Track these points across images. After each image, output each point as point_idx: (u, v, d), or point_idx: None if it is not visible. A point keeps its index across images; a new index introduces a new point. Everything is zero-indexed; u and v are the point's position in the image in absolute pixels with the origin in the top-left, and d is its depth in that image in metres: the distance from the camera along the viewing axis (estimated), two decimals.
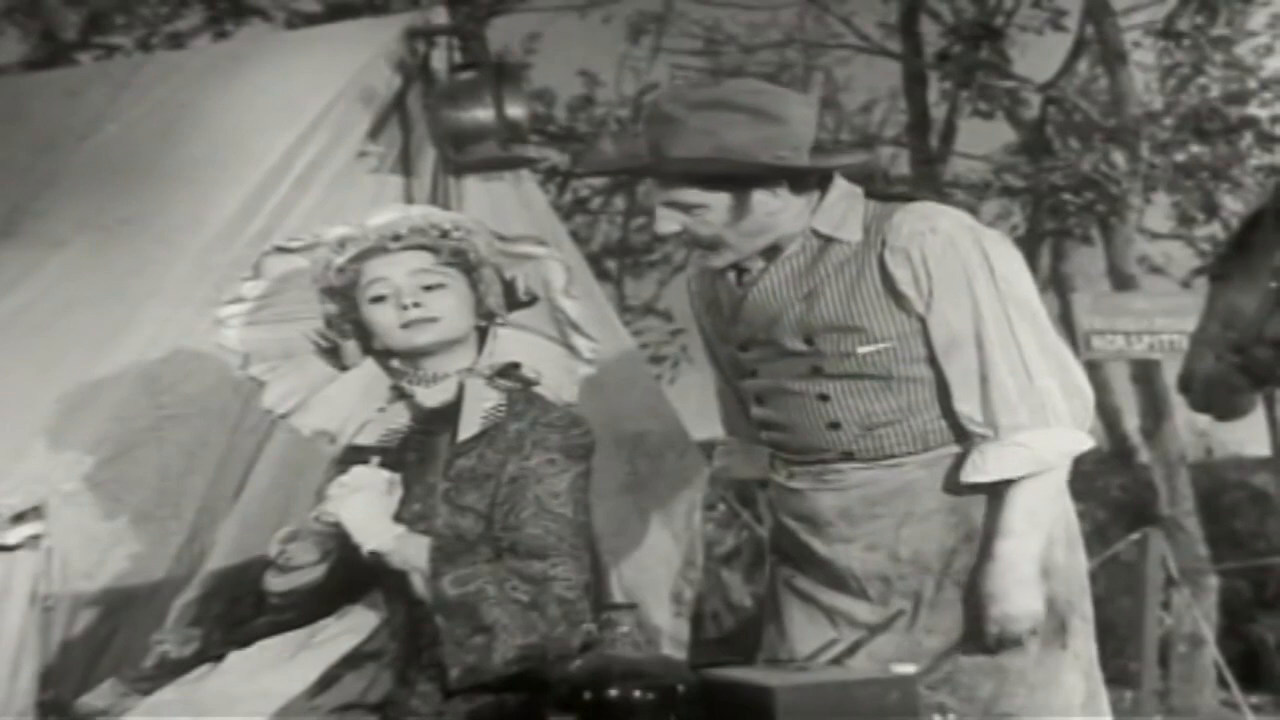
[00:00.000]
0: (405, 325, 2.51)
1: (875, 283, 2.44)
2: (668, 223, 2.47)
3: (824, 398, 2.49)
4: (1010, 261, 2.48)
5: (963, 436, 2.48)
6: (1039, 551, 2.45)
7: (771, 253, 2.50)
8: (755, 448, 2.70)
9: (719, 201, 2.42)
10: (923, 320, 2.45)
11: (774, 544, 2.69)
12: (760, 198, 2.42)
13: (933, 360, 2.46)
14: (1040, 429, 2.41)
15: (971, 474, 2.45)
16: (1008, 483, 2.44)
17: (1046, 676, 2.51)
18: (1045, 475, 2.44)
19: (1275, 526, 8.32)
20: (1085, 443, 2.47)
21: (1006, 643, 2.44)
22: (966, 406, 2.44)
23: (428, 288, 2.52)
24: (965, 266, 2.43)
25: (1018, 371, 2.42)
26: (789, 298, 2.49)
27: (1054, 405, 2.42)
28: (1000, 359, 2.41)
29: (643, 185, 10.86)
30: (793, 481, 2.58)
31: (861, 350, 2.45)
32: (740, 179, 2.41)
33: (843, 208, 2.49)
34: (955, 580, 2.49)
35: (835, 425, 2.49)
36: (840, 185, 2.51)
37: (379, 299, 2.53)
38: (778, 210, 2.44)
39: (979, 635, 2.45)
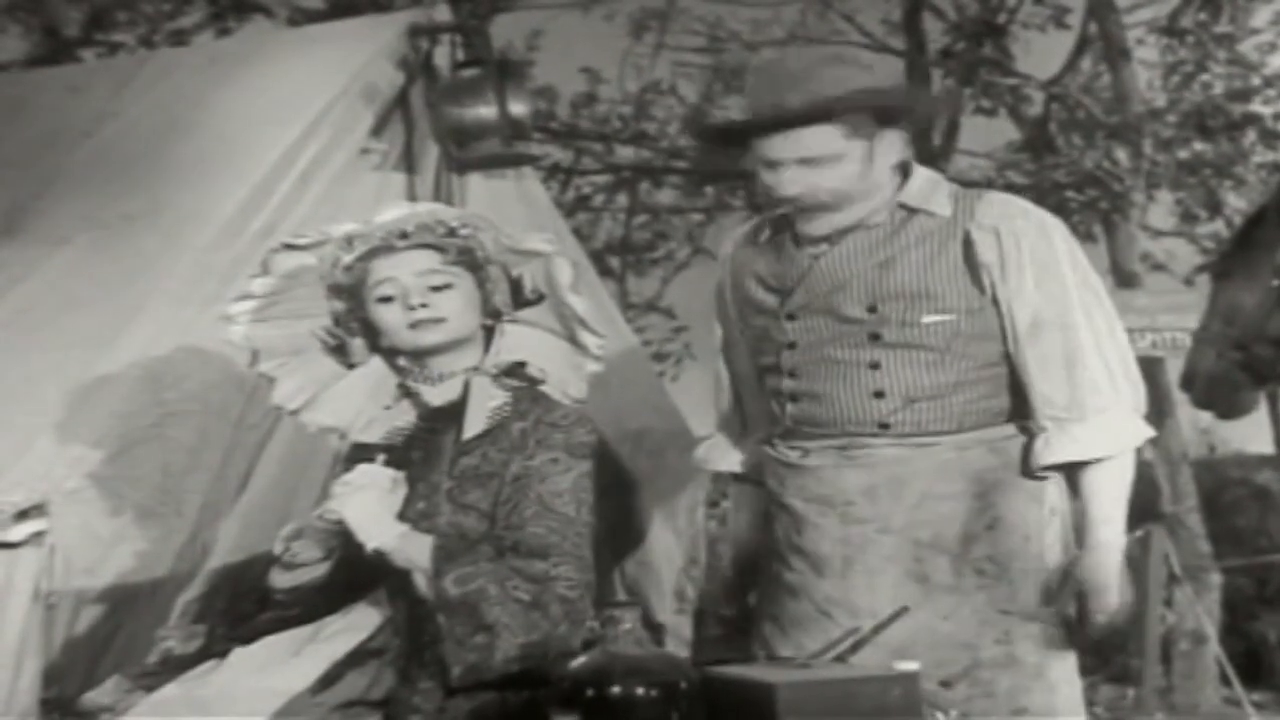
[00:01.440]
0: (413, 325, 2.52)
1: (956, 257, 2.49)
2: (793, 184, 2.47)
3: (875, 365, 2.50)
4: (1082, 254, 2.56)
5: (1010, 419, 2.52)
6: (1123, 533, 2.50)
7: (858, 226, 2.53)
8: (742, 441, 2.74)
9: (854, 151, 2.46)
10: (995, 299, 2.48)
11: (766, 537, 2.67)
12: (883, 148, 2.48)
13: (990, 340, 2.50)
14: (1120, 411, 2.48)
15: (1058, 453, 2.47)
16: (1081, 471, 2.48)
17: (1063, 675, 2.52)
18: (1124, 460, 2.50)
19: (1278, 524, 8.31)
20: (1150, 431, 2.55)
21: (1109, 634, 2.48)
22: (1049, 387, 2.48)
23: (435, 288, 2.52)
24: (1056, 252, 2.50)
25: (1101, 356, 2.48)
26: (863, 265, 2.51)
27: (1129, 391, 2.49)
28: (1089, 343, 2.48)
29: (644, 183, 10.88)
30: (809, 459, 2.56)
31: (926, 319, 2.48)
32: (873, 126, 2.46)
33: (930, 185, 2.55)
34: (975, 568, 2.49)
35: (880, 394, 2.50)
36: (923, 169, 2.58)
37: (386, 299, 2.53)
38: (894, 164, 2.50)
39: (1074, 628, 2.49)
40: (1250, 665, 6.91)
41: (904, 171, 2.55)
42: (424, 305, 2.51)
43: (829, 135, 2.44)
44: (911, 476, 2.50)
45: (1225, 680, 6.32)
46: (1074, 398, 2.47)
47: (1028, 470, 2.51)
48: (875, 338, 2.50)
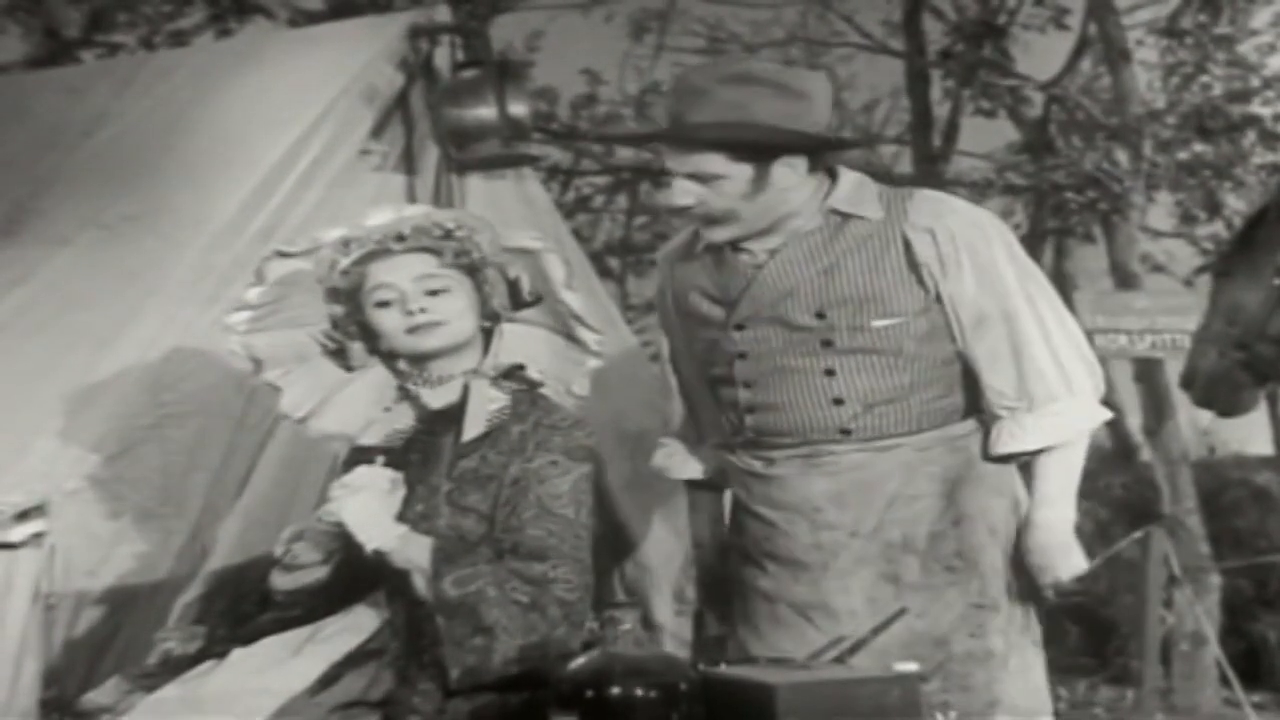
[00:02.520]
0: (411, 330, 2.51)
1: (898, 259, 2.49)
2: (683, 195, 2.50)
3: (830, 373, 2.50)
4: (1019, 245, 2.59)
5: (967, 415, 2.55)
6: (1073, 517, 2.55)
7: (783, 231, 2.53)
8: (700, 449, 2.76)
9: (740, 173, 2.46)
10: (939, 297, 2.49)
11: (733, 544, 2.68)
12: (780, 172, 2.47)
13: (940, 339, 2.51)
14: (1069, 399, 2.50)
15: (1009, 443, 2.51)
16: (1035, 455, 2.53)
17: (1022, 664, 2.56)
18: (1074, 445, 2.53)
19: (1277, 525, 8.31)
20: (1106, 414, 2.58)
21: (1063, 601, 2.56)
22: (998, 380, 2.51)
23: (432, 292, 2.52)
24: (992, 246, 2.51)
25: (1046, 345, 2.50)
26: (805, 273, 2.51)
27: (1079, 377, 2.52)
28: (1033, 333, 2.50)
29: (644, 184, 10.88)
30: (774, 469, 2.57)
31: (876, 324, 2.49)
32: (764, 151, 2.45)
33: (858, 189, 2.55)
34: (945, 565, 2.51)
35: (839, 401, 2.51)
36: (849, 172, 2.58)
37: (384, 303, 2.53)
38: (793, 186, 2.49)
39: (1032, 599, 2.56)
40: (1250, 667, 6.89)
41: (831, 175, 2.56)
42: (422, 310, 2.50)
43: (712, 157, 2.46)
44: (877, 480, 2.52)
45: (1225, 681, 6.31)
46: (1022, 388, 2.50)
47: (988, 460, 2.55)
48: (827, 344, 2.50)
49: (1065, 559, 2.53)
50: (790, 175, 2.48)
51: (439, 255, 2.53)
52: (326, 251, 2.55)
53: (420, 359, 2.56)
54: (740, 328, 2.56)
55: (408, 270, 2.52)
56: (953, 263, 2.48)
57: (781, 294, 2.52)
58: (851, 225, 2.52)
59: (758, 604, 2.60)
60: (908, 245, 2.49)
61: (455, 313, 2.54)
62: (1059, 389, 2.50)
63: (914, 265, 2.49)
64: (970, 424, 2.56)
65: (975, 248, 2.50)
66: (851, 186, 2.55)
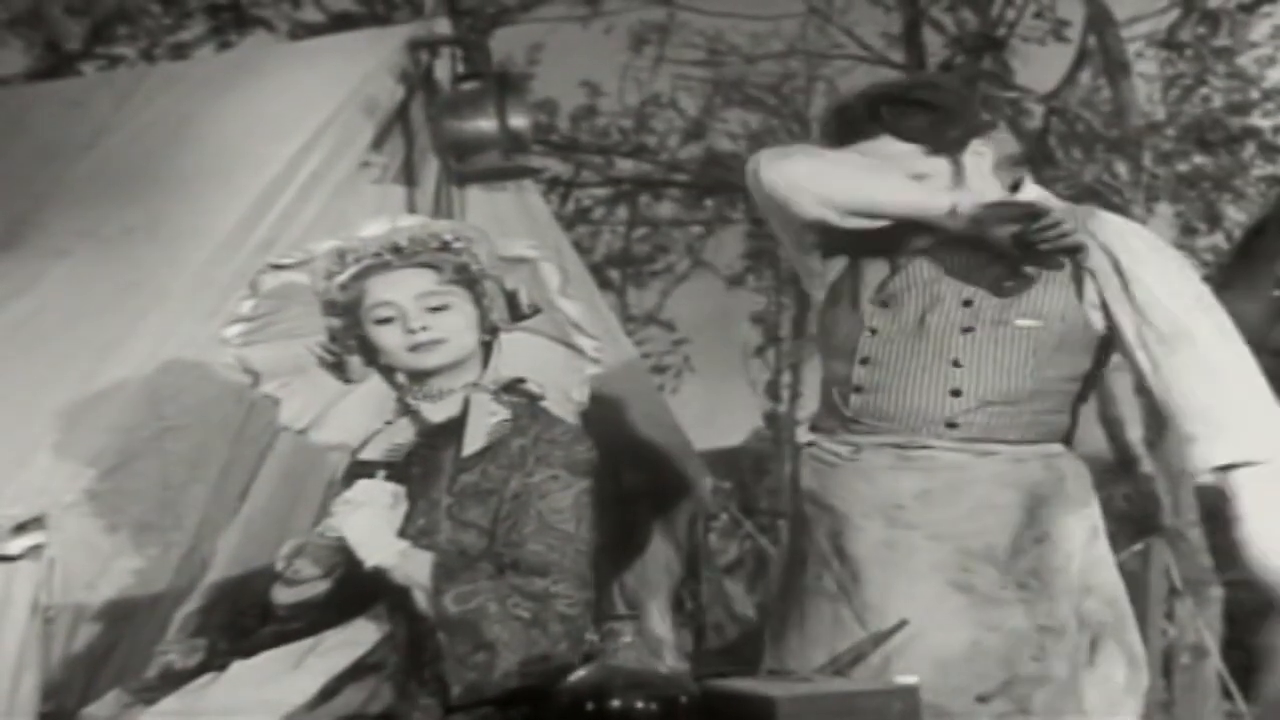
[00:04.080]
0: (413, 348, 2.51)
1: (1066, 266, 2.47)
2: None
3: (956, 364, 2.47)
4: (1189, 267, 2.59)
5: (1067, 439, 2.53)
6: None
7: None
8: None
9: (939, 168, 2.50)
10: (1096, 308, 2.47)
11: (795, 543, 2.62)
12: (971, 161, 2.52)
13: (1076, 353, 2.50)
14: (1261, 418, 2.45)
15: (1208, 458, 2.44)
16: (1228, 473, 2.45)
17: (1075, 688, 2.48)
18: (1268, 465, 2.44)
19: None
20: None
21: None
22: (1187, 395, 2.45)
23: (433, 309, 2.51)
24: (1166, 265, 2.49)
25: (1236, 364, 2.48)
26: (966, 260, 2.49)
27: (1264, 397, 2.47)
28: (1225, 351, 2.48)
29: (645, 196, 10.89)
30: (860, 457, 2.52)
31: (1020, 322, 2.46)
32: (953, 143, 2.51)
33: (1040, 195, 2.56)
34: (1019, 582, 2.45)
35: (957, 392, 2.47)
36: (1033, 184, 2.60)
37: (385, 320, 2.52)
38: (985, 173, 2.53)
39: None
40: (1251, 679, 6.89)
41: (1014, 186, 2.58)
42: (424, 329, 2.50)
43: (915, 158, 2.52)
44: (968, 483, 2.46)
45: (1227, 694, 6.30)
46: (1214, 404, 2.45)
47: (1033, 488, 2.48)
48: (967, 330, 2.47)
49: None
50: (981, 163, 2.52)
51: (439, 270, 2.52)
52: (321, 263, 2.54)
53: (421, 374, 2.55)
54: (884, 305, 2.54)
55: (408, 287, 2.51)
56: (1130, 272, 2.46)
57: (936, 276, 2.51)
58: None
59: (820, 605, 2.52)
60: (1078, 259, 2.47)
61: (456, 330, 2.53)
62: (1256, 408, 2.45)
63: (1079, 271, 2.46)
64: (1062, 448, 2.53)
65: (1166, 264, 2.48)
66: (1035, 192, 2.56)
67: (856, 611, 2.48)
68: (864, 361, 2.53)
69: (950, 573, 2.45)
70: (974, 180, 2.53)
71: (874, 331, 2.53)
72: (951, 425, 2.47)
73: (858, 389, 2.53)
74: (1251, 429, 2.44)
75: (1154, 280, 2.46)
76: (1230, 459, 2.44)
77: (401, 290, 2.51)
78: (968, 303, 2.48)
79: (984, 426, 2.47)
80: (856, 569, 2.49)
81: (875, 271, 2.56)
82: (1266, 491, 2.44)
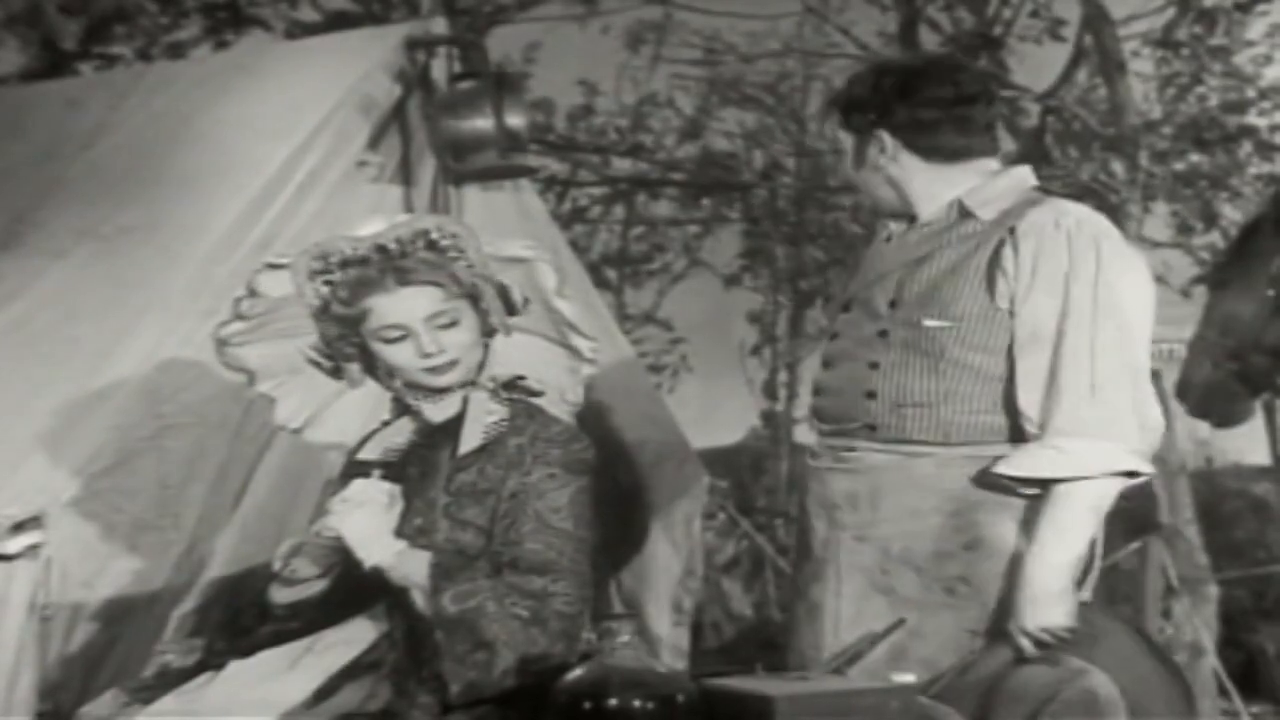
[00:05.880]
0: (429, 370, 2.50)
1: (981, 263, 2.44)
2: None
3: (874, 365, 2.48)
4: (1125, 272, 2.43)
5: (1011, 439, 2.42)
6: (1065, 562, 2.37)
7: (914, 218, 2.54)
8: None
9: (848, 143, 2.56)
10: (1010, 311, 2.41)
11: (798, 540, 2.66)
12: (875, 152, 2.52)
13: (993, 352, 2.43)
14: (1083, 439, 2.34)
15: (1002, 466, 2.39)
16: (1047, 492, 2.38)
17: None
18: (1081, 487, 2.36)
19: (1275, 535, 8.31)
20: (1128, 463, 2.38)
21: (1029, 651, 2.36)
22: (1026, 402, 2.39)
23: (442, 326, 2.50)
24: (1071, 264, 2.39)
25: (1086, 379, 2.35)
26: (903, 259, 2.51)
27: (1116, 421, 2.36)
28: (1071, 362, 2.36)
29: (641, 195, 10.88)
30: (819, 462, 2.56)
31: (926, 323, 2.45)
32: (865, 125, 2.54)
33: (999, 191, 2.51)
34: (945, 586, 2.44)
35: (872, 395, 2.48)
36: (1015, 172, 2.55)
37: (395, 340, 2.50)
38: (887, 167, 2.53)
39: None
40: (1248, 677, 6.89)
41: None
42: (440, 350, 2.48)
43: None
44: (891, 487, 2.47)
45: (1223, 692, 6.31)
46: (1043, 416, 2.37)
47: (962, 489, 2.44)
48: (882, 334, 2.48)
49: (1035, 607, 2.35)
50: (879, 157, 2.52)
51: (443, 288, 2.50)
52: (303, 262, 2.50)
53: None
54: (846, 308, 2.57)
55: (417, 309, 2.48)
56: (1026, 275, 2.39)
57: (878, 276, 2.52)
58: (965, 223, 2.49)
59: (797, 602, 2.59)
60: (998, 249, 2.43)
61: (466, 346, 2.51)
62: (1084, 428, 2.34)
63: (993, 271, 2.42)
64: (1005, 448, 2.43)
65: (1054, 263, 2.38)
66: (996, 186, 2.50)
67: (809, 608, 2.52)
68: (825, 365, 2.58)
69: (872, 574, 2.47)
70: (872, 176, 2.53)
71: (834, 336, 2.58)
72: (870, 428, 2.48)
73: (817, 391, 2.59)
74: (1063, 448, 2.35)
75: (1039, 277, 2.39)
76: (1018, 472, 2.37)
77: (409, 313, 2.48)
78: (893, 305, 2.49)
79: (900, 429, 2.46)
80: (811, 568, 2.55)
81: (856, 277, 2.60)
82: (1065, 520, 2.37)
